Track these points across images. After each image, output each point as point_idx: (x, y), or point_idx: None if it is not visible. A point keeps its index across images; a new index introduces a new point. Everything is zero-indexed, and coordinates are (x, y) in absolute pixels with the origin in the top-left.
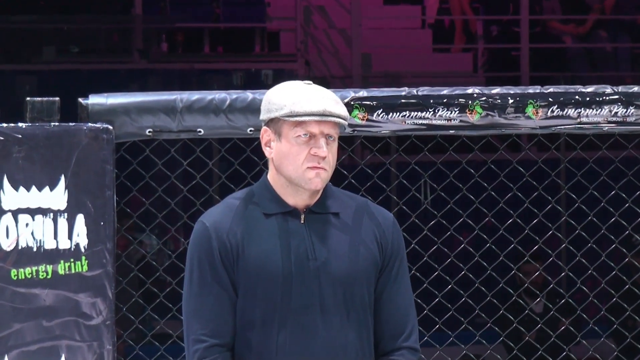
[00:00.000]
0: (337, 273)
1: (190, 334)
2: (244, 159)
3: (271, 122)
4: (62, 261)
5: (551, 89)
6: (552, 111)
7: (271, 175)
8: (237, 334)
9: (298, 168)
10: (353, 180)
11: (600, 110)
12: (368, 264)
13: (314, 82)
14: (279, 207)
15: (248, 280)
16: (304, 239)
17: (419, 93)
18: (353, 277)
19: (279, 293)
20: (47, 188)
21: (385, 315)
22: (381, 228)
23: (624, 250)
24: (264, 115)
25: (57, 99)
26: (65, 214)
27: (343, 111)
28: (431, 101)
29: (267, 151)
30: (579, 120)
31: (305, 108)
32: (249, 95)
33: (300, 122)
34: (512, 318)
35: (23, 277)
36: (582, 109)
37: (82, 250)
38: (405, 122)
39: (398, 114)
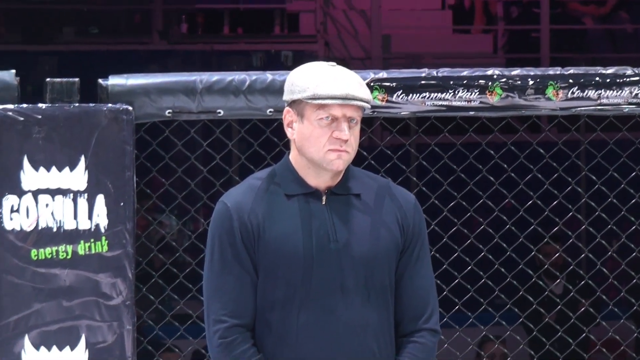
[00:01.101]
0: (358, 255)
1: (210, 314)
2: (263, 140)
3: (294, 104)
4: (82, 241)
5: (571, 71)
6: (573, 92)
7: (293, 156)
8: (258, 314)
9: (320, 150)
10: (372, 162)
11: (620, 91)
12: (389, 245)
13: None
14: (301, 188)
15: (269, 261)
16: (325, 221)
17: (439, 74)
18: (374, 258)
19: (300, 274)
20: (67, 168)
21: (406, 297)
22: (402, 210)
23: None
24: (286, 96)
25: (77, 79)
26: (85, 195)
27: (366, 94)
28: (451, 82)
29: (289, 132)
30: (599, 101)
31: (328, 91)
32: (268, 76)
33: (322, 104)
34: (531, 299)
35: (43, 257)
36: (603, 90)
37: (102, 230)
38: (425, 104)
39: (418, 95)
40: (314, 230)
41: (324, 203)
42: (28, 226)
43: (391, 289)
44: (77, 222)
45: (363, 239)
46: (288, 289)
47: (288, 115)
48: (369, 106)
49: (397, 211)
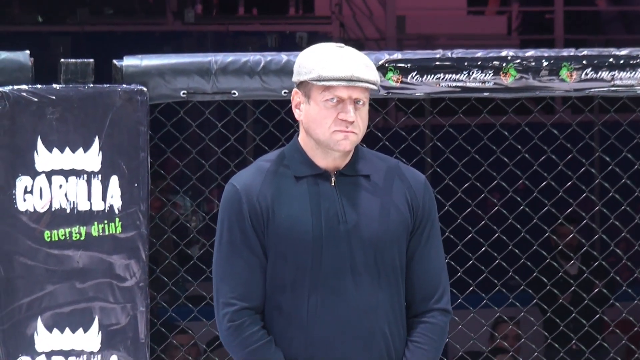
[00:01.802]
0: (367, 236)
1: (219, 297)
2: (278, 121)
3: (301, 85)
4: (95, 223)
5: (585, 52)
6: (586, 74)
7: (302, 138)
8: (267, 297)
9: (326, 131)
10: (387, 142)
11: (634, 73)
12: (399, 226)
13: (349, 45)
14: (310, 170)
15: (278, 243)
16: (334, 202)
17: (453, 55)
18: (384, 239)
19: (310, 256)
20: (80, 149)
21: (417, 278)
22: (412, 190)
23: None
24: (294, 78)
25: (92, 60)
26: (99, 176)
27: (372, 76)
28: (465, 63)
29: (297, 113)
30: (612, 82)
31: (332, 73)
32: (283, 57)
33: (328, 86)
34: (545, 280)
35: (56, 238)
36: (616, 71)
37: (116, 211)
38: (439, 85)
39: (432, 76)
40: (323, 212)
41: (332, 184)
42: (41, 207)
43: (402, 269)
44: (90, 204)
45: (372, 219)
46: (298, 271)
47: (296, 96)
48: (376, 88)
49: (407, 191)
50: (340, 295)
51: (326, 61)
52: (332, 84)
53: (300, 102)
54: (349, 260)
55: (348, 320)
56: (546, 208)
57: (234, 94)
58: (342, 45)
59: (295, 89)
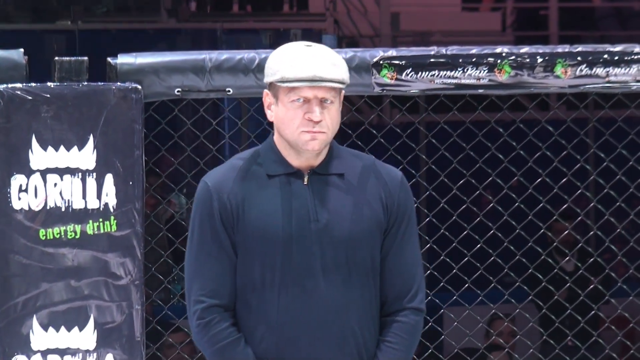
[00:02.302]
0: (338, 235)
1: (190, 294)
2: None
3: (270, 86)
4: (90, 221)
5: (580, 48)
6: (581, 70)
7: (276, 137)
8: (238, 294)
9: (294, 132)
10: (382, 140)
11: (628, 69)
12: (372, 225)
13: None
14: (283, 168)
15: (248, 241)
16: (306, 201)
17: (448, 52)
18: (355, 238)
19: (280, 256)
20: (75, 148)
21: (390, 276)
22: (387, 188)
23: None
24: (264, 79)
25: (86, 58)
26: (94, 174)
27: (338, 74)
28: (460, 60)
29: (268, 114)
30: (607, 79)
31: (295, 74)
32: None
33: (293, 87)
34: (541, 277)
35: (51, 237)
36: (611, 68)
37: (111, 210)
38: (434, 82)
39: (427, 73)
40: (294, 211)
41: (305, 183)
42: (36, 206)
43: (374, 268)
44: (85, 202)
45: (344, 218)
46: (267, 270)
47: (267, 97)
48: (343, 86)
49: (382, 190)
50: (311, 294)
51: (290, 62)
52: (295, 85)
53: (271, 103)
54: (319, 260)
55: (318, 319)
56: (541, 205)
57: (229, 91)
58: (311, 44)
59: (265, 90)
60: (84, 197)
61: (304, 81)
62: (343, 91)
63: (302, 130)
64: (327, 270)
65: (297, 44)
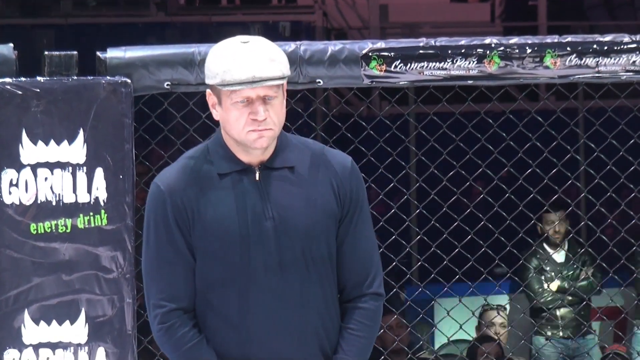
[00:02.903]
0: (294, 230)
1: (149, 298)
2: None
3: (212, 87)
4: (81, 215)
5: (569, 39)
6: (570, 60)
7: (223, 133)
8: (198, 295)
9: (240, 132)
10: (371, 132)
11: (618, 59)
12: (326, 216)
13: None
14: (233, 166)
15: (205, 242)
16: (259, 198)
17: (437, 44)
18: (311, 232)
19: (238, 255)
20: (65, 142)
21: (347, 264)
22: (338, 177)
23: None
24: (205, 79)
25: (75, 52)
26: (84, 168)
27: (277, 70)
28: (449, 52)
29: (214, 113)
30: (597, 69)
31: (234, 76)
32: None
33: (234, 90)
34: (532, 268)
35: (42, 231)
36: (600, 58)
37: (102, 203)
38: (423, 73)
39: (416, 64)
40: (249, 209)
41: (257, 179)
42: (27, 200)
43: (331, 258)
44: (76, 196)
45: (298, 213)
46: (226, 270)
47: (209, 98)
48: (282, 81)
49: (333, 179)
50: (270, 292)
51: (228, 64)
52: (236, 88)
53: (215, 103)
54: (277, 257)
55: (279, 317)
56: (532, 195)
57: None
58: (248, 39)
59: (208, 90)
60: (75, 191)
61: (243, 83)
62: (285, 82)
63: (249, 129)
64: (285, 267)
65: (233, 42)
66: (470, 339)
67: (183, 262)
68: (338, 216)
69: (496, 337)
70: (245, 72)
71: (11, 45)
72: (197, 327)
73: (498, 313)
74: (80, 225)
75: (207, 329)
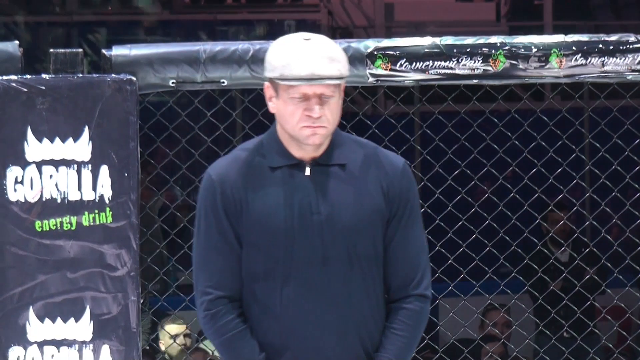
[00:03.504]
0: (340, 226)
1: (198, 285)
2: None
3: (270, 80)
4: (86, 212)
5: (575, 38)
6: (576, 60)
7: (278, 127)
8: (244, 284)
9: (294, 127)
10: (376, 130)
11: (623, 58)
12: (373, 215)
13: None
14: (285, 160)
15: (251, 234)
16: (308, 193)
17: (442, 43)
18: (356, 229)
19: (282, 248)
20: (70, 139)
21: (394, 264)
22: (389, 177)
23: None
24: (264, 72)
25: (81, 50)
26: (89, 166)
27: (335, 70)
28: (454, 51)
29: (270, 106)
30: (602, 69)
31: (293, 72)
32: None
33: (291, 85)
34: (536, 267)
35: (47, 228)
36: (606, 57)
37: (107, 201)
38: (428, 72)
39: (421, 63)
40: (297, 203)
41: (307, 174)
42: (32, 197)
43: (377, 257)
44: (81, 193)
45: (345, 210)
46: (270, 262)
47: (267, 90)
48: (340, 82)
49: (383, 179)
50: (312, 286)
51: (288, 59)
52: (293, 84)
53: (272, 96)
54: (320, 252)
55: (320, 310)
56: (536, 195)
57: (223, 82)
58: (310, 36)
59: (266, 83)
60: (80, 188)
61: (301, 80)
62: (344, 82)
63: (303, 125)
64: (329, 262)
65: (295, 38)
66: (475, 338)
67: (231, 252)
68: (386, 216)
69: (501, 337)
70: (304, 69)
71: (17, 42)
72: (242, 317)
73: (502, 313)
74: (85, 223)
75: (251, 318)
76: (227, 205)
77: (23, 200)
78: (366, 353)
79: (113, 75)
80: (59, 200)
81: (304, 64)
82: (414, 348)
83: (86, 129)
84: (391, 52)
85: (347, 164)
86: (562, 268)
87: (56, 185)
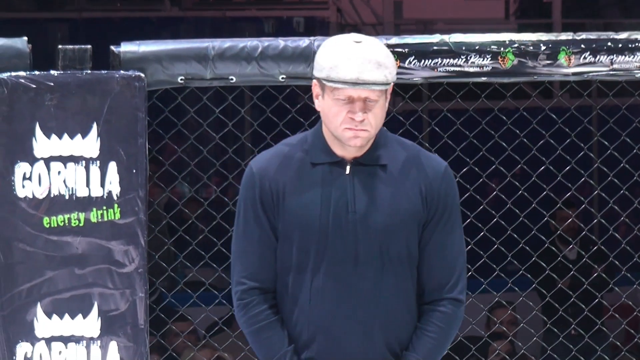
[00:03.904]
0: (374, 226)
1: (234, 275)
2: (275, 107)
3: (317, 78)
4: (94, 209)
5: (583, 36)
6: (585, 58)
7: (323, 125)
8: (278, 277)
9: (337, 127)
10: (384, 128)
11: (632, 57)
12: (408, 217)
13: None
14: (327, 157)
15: (286, 227)
16: (345, 191)
17: (451, 40)
18: (390, 230)
19: (314, 242)
20: (79, 136)
21: (429, 267)
22: (429, 180)
23: None
24: (313, 70)
25: (89, 46)
26: (98, 162)
27: (382, 76)
28: (463, 48)
29: (316, 103)
30: (611, 67)
31: (340, 75)
32: (280, 42)
33: (336, 87)
34: (544, 265)
35: (55, 224)
36: (615, 55)
37: (115, 198)
38: (437, 69)
39: (430, 61)
40: (333, 200)
41: (347, 173)
42: (40, 194)
43: (410, 259)
44: (89, 190)
45: (382, 209)
46: (302, 256)
47: (315, 88)
48: (385, 88)
49: (423, 182)
50: (342, 282)
51: (336, 61)
52: (339, 86)
53: (318, 94)
54: (353, 250)
55: (347, 307)
56: (545, 193)
57: (232, 79)
58: (361, 39)
59: (314, 80)
60: (88, 185)
61: (347, 83)
62: (391, 87)
63: (345, 127)
64: (360, 260)
65: (346, 39)
66: (482, 335)
67: (267, 244)
68: (422, 219)
69: (509, 334)
70: (350, 73)
71: (25, 38)
72: (274, 309)
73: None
74: (93, 219)
75: (283, 311)
76: (265, 198)
77: (31, 197)
78: (393, 353)
79: (122, 71)
80: (67, 197)
81: (351, 68)
82: (443, 351)
83: (94, 126)
84: (400, 50)
85: (388, 164)
86: (570, 266)
87: (64, 181)
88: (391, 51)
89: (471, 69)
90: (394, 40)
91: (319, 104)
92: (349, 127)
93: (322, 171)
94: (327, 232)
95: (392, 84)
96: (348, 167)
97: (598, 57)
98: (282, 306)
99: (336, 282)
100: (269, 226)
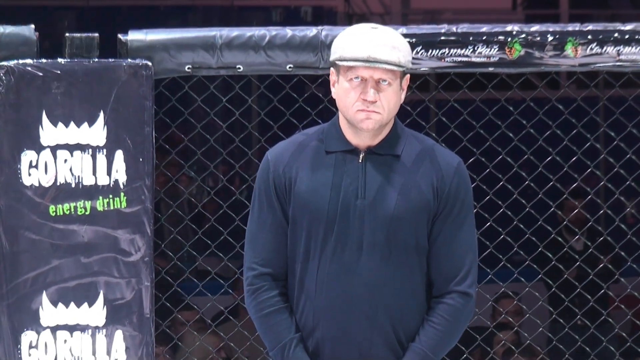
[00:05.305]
0: (382, 214)
1: (245, 260)
2: (282, 96)
3: (333, 64)
4: (100, 197)
5: (590, 27)
6: (592, 49)
7: (340, 115)
8: (288, 263)
9: (350, 109)
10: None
11: (639, 48)
12: (418, 207)
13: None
14: (341, 145)
15: (296, 213)
16: (356, 178)
17: (458, 30)
18: (398, 218)
19: (322, 229)
20: (85, 124)
21: (439, 260)
22: (441, 173)
23: None
24: (330, 58)
25: (97, 34)
26: (104, 150)
27: (394, 56)
28: (470, 38)
29: (332, 91)
30: (618, 58)
31: (351, 53)
32: (288, 32)
33: (350, 66)
34: (550, 256)
35: (61, 213)
36: (622, 46)
37: (121, 186)
38: (444, 60)
39: (437, 51)
40: (344, 187)
41: (360, 161)
42: (46, 182)
43: (419, 249)
44: (95, 178)
45: (391, 198)
46: (310, 242)
47: (332, 75)
48: (397, 69)
49: (435, 175)
50: (347, 269)
51: (349, 42)
52: (351, 64)
53: (334, 82)
54: (359, 237)
55: (352, 294)
56: (551, 183)
57: (239, 68)
58: (378, 26)
59: (332, 69)
60: (94, 173)
61: (358, 61)
62: (408, 75)
63: (358, 108)
64: (366, 247)
65: (363, 25)
66: (488, 325)
67: (279, 231)
68: (433, 211)
69: (515, 324)
70: (361, 51)
71: (32, 26)
72: (284, 296)
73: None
74: (100, 208)
75: (292, 297)
76: (278, 184)
77: (37, 185)
78: (399, 342)
79: (129, 60)
80: (73, 185)
81: (362, 47)
82: (450, 344)
83: (101, 114)
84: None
85: (402, 155)
86: (577, 256)
87: (71, 169)
88: None
89: (478, 60)
90: (402, 30)
91: (335, 91)
92: (361, 108)
93: (336, 158)
94: (335, 217)
95: (406, 71)
96: (361, 155)
97: (605, 48)
98: (291, 293)
99: (341, 268)
100: (281, 213)
